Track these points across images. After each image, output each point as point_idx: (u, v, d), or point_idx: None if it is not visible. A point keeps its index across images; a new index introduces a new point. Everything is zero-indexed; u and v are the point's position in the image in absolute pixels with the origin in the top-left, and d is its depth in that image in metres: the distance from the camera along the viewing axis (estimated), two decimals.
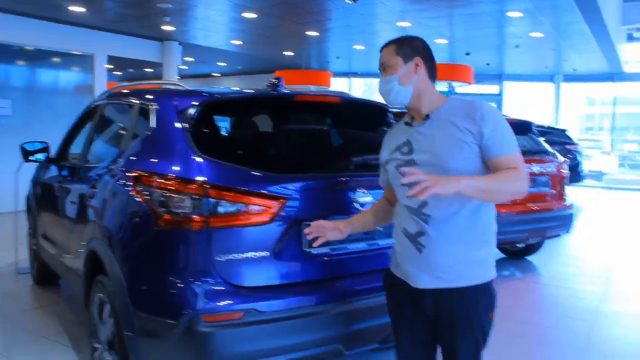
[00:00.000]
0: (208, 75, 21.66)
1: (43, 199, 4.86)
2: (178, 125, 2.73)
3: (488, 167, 2.06)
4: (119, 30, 11.56)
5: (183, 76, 21.25)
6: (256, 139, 3.20)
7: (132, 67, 16.59)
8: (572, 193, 14.42)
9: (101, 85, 11.45)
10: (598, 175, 19.11)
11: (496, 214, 2.20)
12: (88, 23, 10.72)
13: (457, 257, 2.07)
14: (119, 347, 2.72)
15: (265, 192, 2.51)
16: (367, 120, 3.41)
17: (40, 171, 5.20)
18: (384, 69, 2.18)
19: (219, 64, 17.83)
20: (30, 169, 5.46)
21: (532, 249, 7.01)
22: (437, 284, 2.09)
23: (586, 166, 15.56)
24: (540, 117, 19.32)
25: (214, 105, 2.86)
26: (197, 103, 2.76)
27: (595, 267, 6.77)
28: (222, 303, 2.41)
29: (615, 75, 18.15)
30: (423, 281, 2.11)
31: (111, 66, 14.22)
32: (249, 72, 19.42)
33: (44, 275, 5.27)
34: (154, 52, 12.84)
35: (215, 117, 3.13)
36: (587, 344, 4.23)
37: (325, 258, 2.70)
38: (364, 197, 2.76)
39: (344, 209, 2.74)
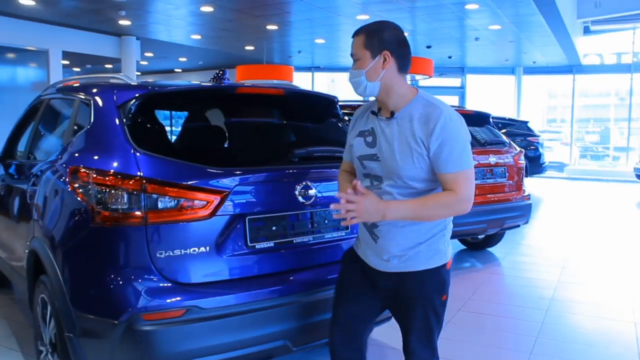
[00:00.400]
0: (170, 71, 21.39)
1: None
2: (116, 119, 2.65)
3: None
4: (75, 25, 11.30)
5: (144, 72, 20.96)
6: (199, 132, 3.14)
7: (90, 63, 16.24)
8: (534, 184, 14.73)
9: (57, 80, 11.20)
10: (559, 167, 19.50)
11: None
12: (41, 17, 10.45)
13: (408, 246, 2.15)
14: (61, 349, 2.64)
15: (205, 186, 2.45)
16: (314, 112, 3.37)
17: None
18: (354, 60, 2.15)
19: (180, 59, 17.63)
20: None
21: (493, 240, 7.06)
22: (390, 269, 2.19)
23: (547, 157, 15.87)
24: (503, 109, 19.66)
25: (154, 98, 2.79)
26: (136, 96, 2.69)
27: (553, 257, 6.87)
28: (162, 301, 2.34)
29: (574, 67, 18.52)
30: (378, 265, 2.22)
31: (67, 62, 13.91)
32: (211, 68, 19.24)
33: None
34: (112, 48, 12.60)
35: (156, 111, 3.05)
36: (541, 332, 4.28)
37: (271, 252, 2.66)
38: (309, 190, 2.73)
39: (289, 202, 2.70)
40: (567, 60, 16.84)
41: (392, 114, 2.12)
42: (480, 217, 5.87)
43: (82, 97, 3.07)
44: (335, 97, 3.44)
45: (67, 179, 2.65)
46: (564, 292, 5.32)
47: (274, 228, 2.67)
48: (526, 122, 14.58)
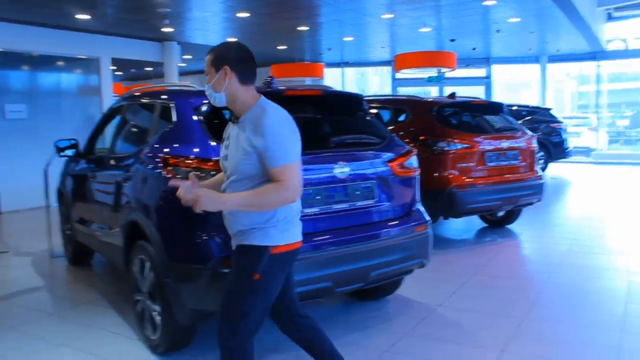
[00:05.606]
0: None
1: (76, 188, 5.62)
2: (195, 118, 3.50)
3: None
4: (122, 34, 12.30)
5: (182, 73, 21.91)
6: None
7: (134, 67, 17.31)
8: (558, 168, 15.19)
9: (107, 86, 12.23)
10: (586, 151, 19.84)
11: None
12: (93, 28, 11.45)
13: (242, 225, 2.53)
14: (159, 293, 3.49)
15: None
16: (345, 107, 4.19)
17: (69, 165, 5.96)
18: (206, 75, 2.55)
19: None
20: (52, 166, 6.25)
21: (511, 218, 7.75)
22: (233, 243, 2.64)
23: (573, 143, 16.27)
24: (529, 97, 20.10)
25: None
26: (208, 100, 3.52)
27: (566, 231, 7.53)
28: None
29: (597, 54, 18.82)
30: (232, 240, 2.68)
31: (114, 67, 14.91)
32: None
33: (78, 256, 6.06)
34: (155, 53, 13.58)
35: (224, 111, 3.86)
36: (546, 288, 5.01)
37: (316, 216, 3.48)
38: (342, 169, 3.54)
39: (329, 177, 3.51)
40: (589, 47, 17.20)
41: (238, 119, 2.52)
42: (495, 195, 6.59)
43: (162, 102, 3.94)
44: (361, 95, 4.24)
45: (160, 165, 3.51)
46: (570, 259, 6.01)
47: (317, 197, 3.48)
48: (549, 109, 15.07)
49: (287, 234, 2.54)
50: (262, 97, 2.55)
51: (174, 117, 3.71)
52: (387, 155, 3.90)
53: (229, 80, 2.47)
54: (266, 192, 2.39)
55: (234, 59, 2.50)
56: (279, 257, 2.52)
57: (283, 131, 2.42)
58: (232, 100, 2.52)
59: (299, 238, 2.63)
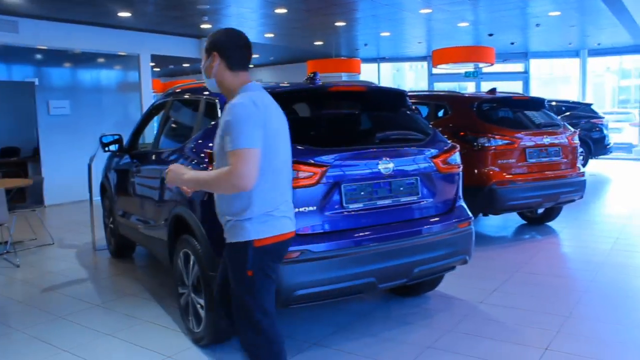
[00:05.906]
0: None
1: (119, 182, 5.73)
2: None
3: None
4: (161, 31, 12.47)
5: None
6: (302, 121, 3.96)
7: (172, 64, 17.52)
8: (598, 165, 14.87)
9: (147, 82, 12.42)
10: (628, 148, 19.34)
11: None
12: (133, 26, 11.64)
13: (222, 214, 2.60)
14: (204, 285, 3.55)
15: (311, 161, 3.29)
16: (389, 103, 4.18)
17: (112, 160, 6.08)
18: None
19: (253, 55, 18.61)
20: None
21: (552, 215, 7.63)
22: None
23: (614, 139, 15.91)
24: (569, 92, 19.69)
25: (275, 97, 3.64)
26: None
27: (608, 229, 7.35)
28: None
29: None
30: None
31: (153, 63, 15.14)
32: (281, 62, 20.17)
33: (121, 249, 6.19)
34: (193, 49, 13.71)
35: None
36: (589, 287, 4.92)
37: (360, 212, 3.49)
38: (386, 164, 3.54)
39: (373, 173, 3.52)
40: (632, 40, 16.76)
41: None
42: (536, 192, 6.49)
43: (207, 98, 3.99)
44: (405, 91, 4.23)
45: (205, 160, 3.56)
46: (613, 258, 5.88)
47: (362, 193, 3.49)
48: (590, 105, 14.76)
49: (268, 226, 2.49)
50: (251, 83, 2.54)
51: (219, 113, 3.75)
52: (431, 151, 3.89)
53: (217, 65, 2.50)
54: (215, 174, 2.39)
55: (224, 45, 2.51)
56: (264, 249, 2.49)
57: (243, 114, 2.33)
58: (220, 85, 2.55)
59: (287, 230, 2.58)
